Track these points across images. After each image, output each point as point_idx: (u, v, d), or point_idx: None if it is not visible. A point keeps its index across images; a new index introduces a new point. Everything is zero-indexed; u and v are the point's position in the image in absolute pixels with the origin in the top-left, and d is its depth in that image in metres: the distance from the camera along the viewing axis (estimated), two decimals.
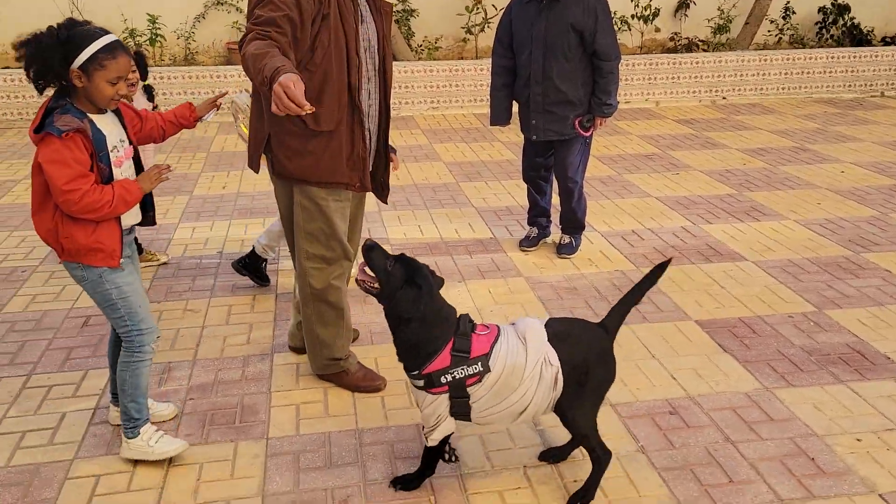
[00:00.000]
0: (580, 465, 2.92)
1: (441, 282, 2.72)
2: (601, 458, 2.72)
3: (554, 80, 4.56)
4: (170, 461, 2.97)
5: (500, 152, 7.66)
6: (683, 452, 3.02)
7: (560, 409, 2.66)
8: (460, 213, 5.91)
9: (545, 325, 2.68)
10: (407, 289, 2.58)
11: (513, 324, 2.73)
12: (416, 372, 2.61)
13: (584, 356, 2.65)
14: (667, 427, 3.18)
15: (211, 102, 3.25)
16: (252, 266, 4.51)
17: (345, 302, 3.42)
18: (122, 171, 2.81)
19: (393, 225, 5.64)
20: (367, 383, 3.45)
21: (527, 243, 5.11)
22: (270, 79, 2.59)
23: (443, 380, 2.56)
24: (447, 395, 2.58)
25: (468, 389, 2.57)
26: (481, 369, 2.56)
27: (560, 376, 2.60)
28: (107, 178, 2.72)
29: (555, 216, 5.29)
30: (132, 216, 2.91)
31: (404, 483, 2.81)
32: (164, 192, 6.30)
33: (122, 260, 2.81)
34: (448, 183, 6.71)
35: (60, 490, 2.83)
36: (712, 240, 5.27)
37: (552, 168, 4.99)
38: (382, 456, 3.01)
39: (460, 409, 2.61)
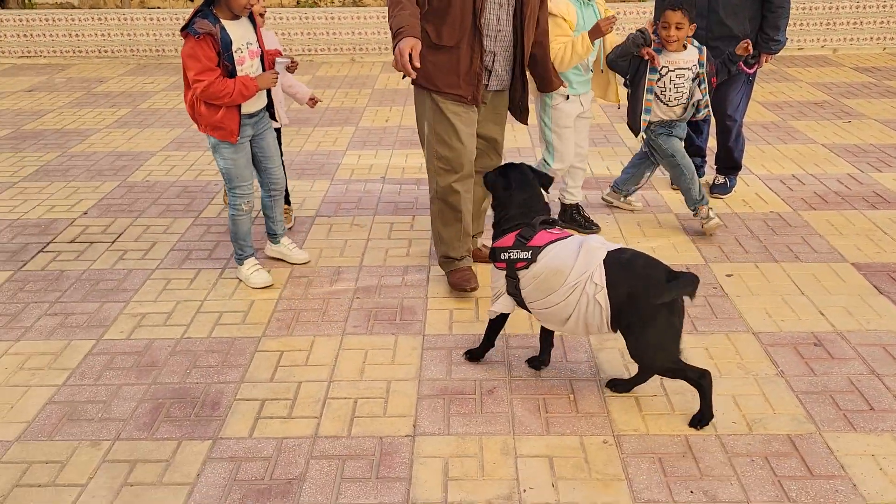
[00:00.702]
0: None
1: (548, 180, 3.19)
2: (699, 381, 2.76)
3: (719, 14, 4.51)
4: (340, 345, 3.38)
5: None
6: (824, 380, 3.05)
7: (624, 335, 2.78)
8: (613, 152, 5.97)
9: (612, 250, 2.79)
10: (499, 177, 3.13)
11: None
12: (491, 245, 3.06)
13: (633, 289, 2.67)
14: (809, 356, 3.21)
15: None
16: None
17: (465, 207, 3.72)
18: (244, 68, 3.56)
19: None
20: (460, 283, 3.76)
21: (720, 190, 5.09)
22: (395, 35, 3.21)
23: (502, 256, 2.94)
24: (505, 273, 2.95)
25: (518, 272, 2.89)
26: (529, 257, 2.86)
27: (604, 298, 2.70)
28: (230, 73, 3.50)
29: (710, 158, 5.25)
30: (252, 105, 3.68)
31: (471, 355, 3.23)
32: (333, 123, 6.80)
33: (239, 138, 3.65)
34: (601, 123, 6.75)
35: (251, 359, 3.31)
36: (880, 188, 5.04)
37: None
38: (526, 355, 3.26)
39: (513, 290, 2.95)
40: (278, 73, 3.73)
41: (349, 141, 6.35)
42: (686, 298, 2.70)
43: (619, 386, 3.02)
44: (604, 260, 2.74)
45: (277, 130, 4.20)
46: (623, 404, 2.96)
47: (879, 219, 4.56)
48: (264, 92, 3.76)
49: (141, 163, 5.87)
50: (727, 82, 4.69)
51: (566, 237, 2.92)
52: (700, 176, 5.15)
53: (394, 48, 3.20)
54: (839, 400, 2.93)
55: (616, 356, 3.24)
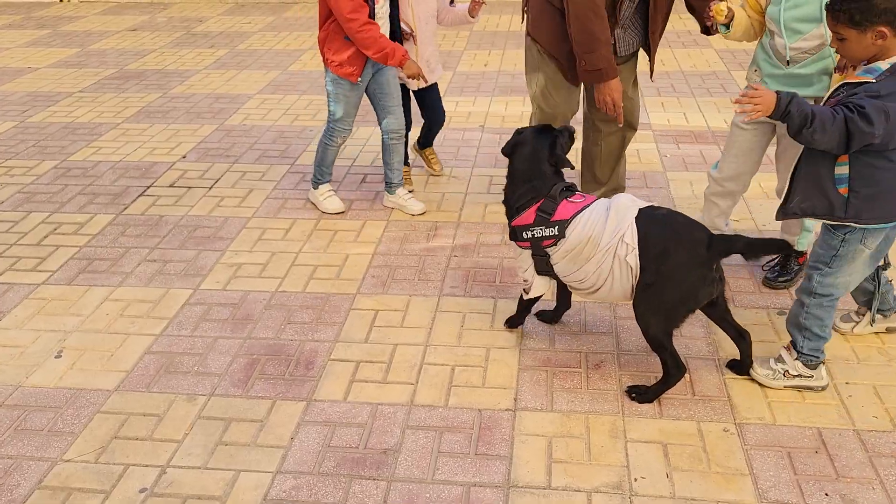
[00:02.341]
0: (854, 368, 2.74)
1: (559, 157, 2.78)
2: (670, 373, 2.59)
3: None
4: (438, 306, 3.23)
5: None
6: None
7: (634, 301, 2.56)
8: (730, 102, 5.51)
9: (644, 207, 2.56)
10: (516, 147, 2.84)
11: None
12: (509, 223, 2.83)
13: (665, 246, 2.46)
14: None
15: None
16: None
17: None
18: (380, 6, 3.61)
19: (655, 111, 5.42)
20: None
21: None
22: (597, 71, 3.27)
23: (525, 235, 2.74)
24: (530, 252, 2.75)
25: (547, 250, 2.69)
26: (556, 233, 2.65)
27: (635, 259, 2.48)
28: (370, 11, 3.50)
29: None
30: None
31: (511, 322, 3.07)
32: None
33: (360, 79, 3.69)
34: (718, 71, 6.26)
35: (346, 317, 3.21)
36: None
37: None
38: (636, 330, 3.02)
39: (543, 268, 2.76)
40: (418, 80, 3.85)
41: (446, 87, 6.11)
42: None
43: (740, 367, 2.75)
44: (636, 217, 2.52)
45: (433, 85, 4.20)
46: (746, 389, 2.69)
47: None
48: (388, 26, 3.73)
49: (238, 105, 5.83)
50: None
51: (591, 203, 2.67)
52: None
53: (597, 81, 3.26)
54: None
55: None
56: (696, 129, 5.07)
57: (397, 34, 3.82)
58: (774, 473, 2.33)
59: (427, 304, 3.27)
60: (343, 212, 4.04)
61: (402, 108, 3.93)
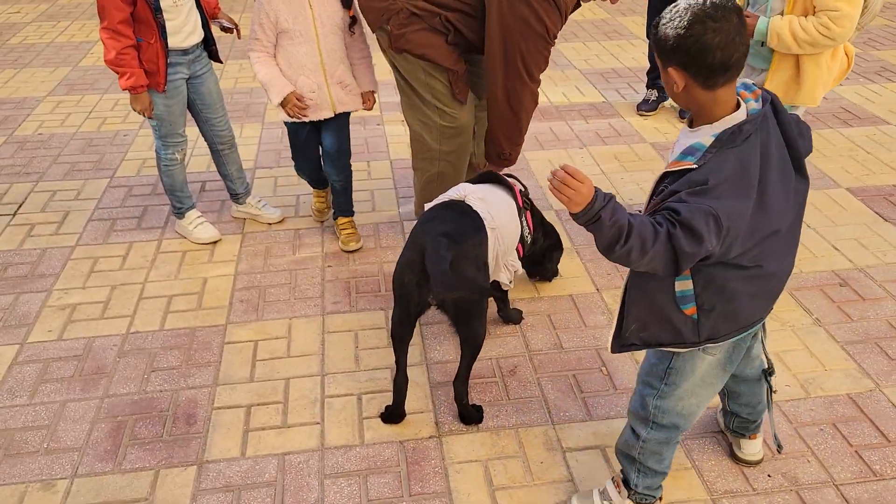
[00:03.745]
0: None
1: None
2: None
3: None
4: (324, 328, 2.90)
5: (592, 10, 7.14)
6: (864, 326, 2.85)
7: None
8: (564, 75, 5.55)
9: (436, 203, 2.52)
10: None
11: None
12: None
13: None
14: (839, 299, 2.99)
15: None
16: None
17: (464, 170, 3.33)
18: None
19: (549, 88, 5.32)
20: None
21: (646, 107, 4.79)
22: None
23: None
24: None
25: None
26: None
27: None
28: (155, 9, 2.90)
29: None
30: (185, 38, 3.06)
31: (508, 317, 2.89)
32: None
33: (170, 82, 3.07)
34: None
35: (221, 354, 2.78)
36: (847, 102, 4.88)
37: None
38: (542, 326, 2.89)
39: None
40: (145, 113, 3.09)
41: None
42: None
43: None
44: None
45: None
46: None
47: (857, 137, 4.39)
48: (199, 23, 3.13)
49: (27, 111, 4.98)
50: None
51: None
52: (665, 99, 4.83)
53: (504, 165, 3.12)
54: (886, 348, 2.73)
55: None
56: (540, 105, 5.00)
57: (209, 28, 3.22)
58: (716, 462, 2.29)
59: (311, 326, 2.92)
60: (219, 240, 3.47)
61: (226, 115, 3.40)
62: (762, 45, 2.72)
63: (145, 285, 3.18)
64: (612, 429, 2.41)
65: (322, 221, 3.62)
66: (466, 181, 2.74)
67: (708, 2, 1.55)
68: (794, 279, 3.12)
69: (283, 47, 3.02)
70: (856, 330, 2.82)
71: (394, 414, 2.44)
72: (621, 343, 1.85)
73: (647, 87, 4.85)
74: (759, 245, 1.64)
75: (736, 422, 2.23)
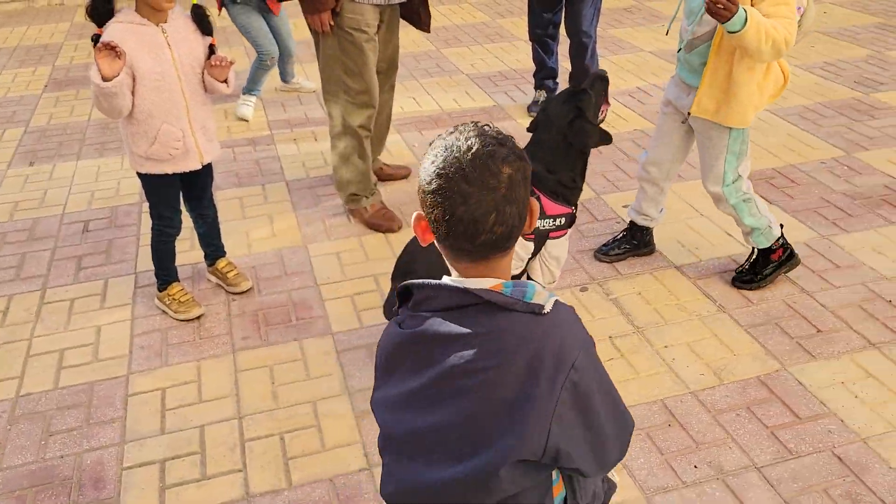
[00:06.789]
0: None
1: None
2: None
3: None
4: (235, 366, 2.77)
5: (471, 14, 7.21)
6: (763, 308, 2.98)
7: None
8: (452, 81, 5.56)
9: None
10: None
11: None
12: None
13: None
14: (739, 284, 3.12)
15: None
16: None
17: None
18: None
19: None
20: (384, 223, 3.61)
21: (536, 108, 4.86)
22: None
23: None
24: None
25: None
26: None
27: None
28: None
29: (562, 77, 5.03)
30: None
31: None
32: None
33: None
34: (428, 50, 6.30)
35: (125, 408, 2.60)
36: None
37: (559, 25, 4.69)
38: None
39: None
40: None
41: None
42: None
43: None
44: None
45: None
46: None
47: None
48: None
49: None
50: None
51: None
52: None
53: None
54: (786, 327, 2.86)
55: None
56: (432, 112, 5.03)
57: None
58: (645, 460, 2.33)
59: (222, 366, 2.78)
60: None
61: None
62: (693, 54, 2.72)
63: (31, 341, 2.95)
64: None
65: (199, 317, 3.04)
66: None
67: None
68: (694, 268, 3.23)
69: (140, 94, 2.64)
70: (756, 313, 2.95)
71: None
72: None
73: (535, 88, 4.93)
74: None
75: None
